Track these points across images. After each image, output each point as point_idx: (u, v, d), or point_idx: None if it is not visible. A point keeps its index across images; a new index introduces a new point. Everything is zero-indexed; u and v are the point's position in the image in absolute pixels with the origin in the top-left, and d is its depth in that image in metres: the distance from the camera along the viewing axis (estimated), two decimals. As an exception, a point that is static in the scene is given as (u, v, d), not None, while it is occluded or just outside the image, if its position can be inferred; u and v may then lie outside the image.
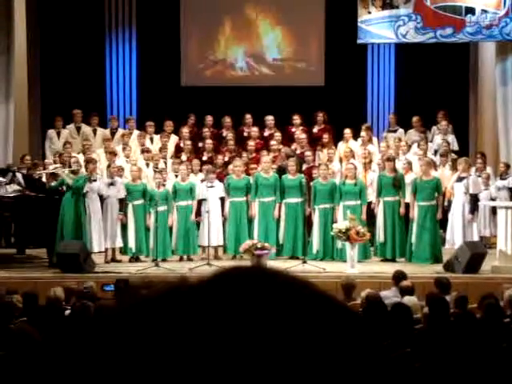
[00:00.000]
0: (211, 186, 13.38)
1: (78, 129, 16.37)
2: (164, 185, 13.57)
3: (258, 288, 0.87)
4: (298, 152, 15.17)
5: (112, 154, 14.71)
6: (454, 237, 13.68)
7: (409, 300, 8.31)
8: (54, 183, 13.34)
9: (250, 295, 0.86)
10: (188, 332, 0.84)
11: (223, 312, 0.85)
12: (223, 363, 0.82)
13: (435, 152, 15.52)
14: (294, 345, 0.84)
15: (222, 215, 13.67)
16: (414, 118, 16.18)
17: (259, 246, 12.53)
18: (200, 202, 13.62)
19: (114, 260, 13.20)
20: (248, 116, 16.26)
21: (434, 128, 16.29)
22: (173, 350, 0.83)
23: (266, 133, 16.01)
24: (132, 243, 13.26)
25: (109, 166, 13.92)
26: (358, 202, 13.35)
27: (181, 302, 0.86)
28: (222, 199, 13.72)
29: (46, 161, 15.26)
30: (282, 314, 0.85)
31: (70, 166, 13.63)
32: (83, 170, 13.50)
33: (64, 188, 12.98)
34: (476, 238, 13.63)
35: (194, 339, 0.83)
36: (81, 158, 14.39)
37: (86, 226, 12.82)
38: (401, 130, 16.29)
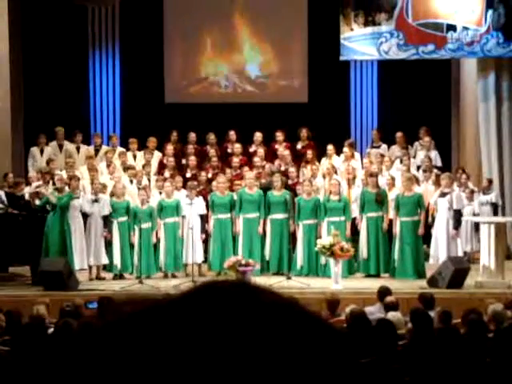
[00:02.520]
0: (191, 203, 13.37)
1: (61, 146, 16.33)
2: (148, 201, 13.54)
3: (235, 301, 0.88)
4: (282, 169, 15.19)
5: (95, 171, 14.69)
6: (438, 252, 13.71)
7: (393, 316, 8.31)
8: (39, 202, 13.29)
9: (227, 308, 0.87)
10: (168, 346, 0.84)
11: (201, 326, 0.85)
12: (202, 377, 0.83)
13: (418, 168, 15.59)
14: (270, 358, 0.84)
15: (202, 232, 13.65)
16: (398, 134, 16.24)
17: (243, 262, 12.53)
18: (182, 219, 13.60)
19: (98, 278, 13.14)
20: (232, 133, 16.28)
21: (417, 144, 16.36)
22: (154, 364, 0.84)
23: (252, 149, 16.04)
24: (117, 260, 13.21)
25: (93, 183, 13.89)
26: (343, 219, 13.36)
27: (161, 317, 0.87)
28: (202, 216, 13.69)
29: (29, 175, 15.24)
30: (258, 327, 0.86)
31: (53, 184, 13.58)
32: (67, 187, 13.47)
33: (49, 206, 12.94)
34: (460, 254, 13.66)
35: (174, 353, 0.84)
36: (64, 175, 14.37)
37: (71, 243, 12.79)
38: (384, 146, 16.34)
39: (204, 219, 13.72)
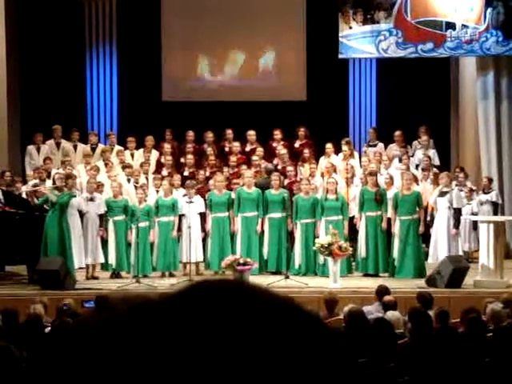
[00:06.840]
0: (190, 202, 13.35)
1: (58, 144, 16.32)
2: (146, 200, 13.51)
3: (229, 300, 0.87)
4: (280, 167, 15.17)
5: (92, 169, 14.66)
6: (438, 251, 13.69)
7: (392, 315, 8.29)
8: (39, 200, 13.25)
9: (221, 307, 0.86)
10: (163, 344, 0.84)
11: (196, 324, 0.85)
12: (197, 375, 0.82)
13: (416, 166, 15.58)
14: (265, 357, 0.83)
15: (201, 231, 13.63)
16: (397, 132, 16.22)
17: (241, 261, 12.50)
18: (180, 218, 13.58)
19: (93, 277, 13.10)
20: (229, 131, 16.25)
21: (415, 143, 16.34)
22: (149, 361, 0.84)
23: (248, 148, 16.01)
24: (112, 259, 13.19)
25: (88, 182, 13.86)
26: (340, 217, 13.34)
27: (156, 314, 0.87)
28: (201, 215, 13.68)
29: (27, 173, 15.28)
30: (253, 326, 0.85)
31: (54, 183, 13.55)
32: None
33: (47, 205, 12.89)
34: (460, 253, 13.65)
35: (168, 351, 0.84)
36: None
37: (70, 242, 12.75)
38: (380, 145, 16.32)
39: (203, 218, 13.70)
